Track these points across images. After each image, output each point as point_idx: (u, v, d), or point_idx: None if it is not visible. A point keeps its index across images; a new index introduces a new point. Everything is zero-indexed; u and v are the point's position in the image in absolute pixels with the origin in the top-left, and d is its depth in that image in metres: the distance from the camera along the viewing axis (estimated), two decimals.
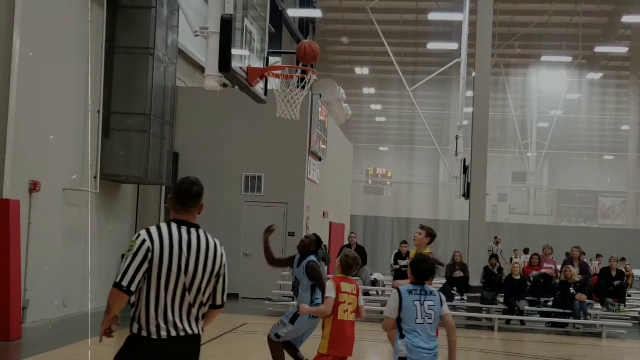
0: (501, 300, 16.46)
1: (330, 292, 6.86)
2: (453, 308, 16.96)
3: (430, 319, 5.79)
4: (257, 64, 9.63)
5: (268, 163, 18.49)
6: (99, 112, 14.38)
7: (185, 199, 4.46)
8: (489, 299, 16.45)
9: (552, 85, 39.23)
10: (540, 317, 16.39)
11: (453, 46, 31.07)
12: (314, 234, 8.75)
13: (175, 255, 4.27)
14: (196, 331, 4.36)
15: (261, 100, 10.25)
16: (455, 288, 17.24)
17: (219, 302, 4.50)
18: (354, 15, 35.00)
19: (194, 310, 4.35)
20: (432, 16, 31.44)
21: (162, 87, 15.62)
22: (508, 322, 16.05)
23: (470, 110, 20.44)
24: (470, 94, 22.08)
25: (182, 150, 18.30)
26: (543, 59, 37.04)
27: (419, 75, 29.86)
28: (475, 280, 16.86)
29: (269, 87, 10.45)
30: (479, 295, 16.58)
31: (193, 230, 4.40)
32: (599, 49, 36.08)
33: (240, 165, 18.51)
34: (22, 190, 11.98)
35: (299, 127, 17.29)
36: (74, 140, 13.92)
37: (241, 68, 9.00)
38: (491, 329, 15.68)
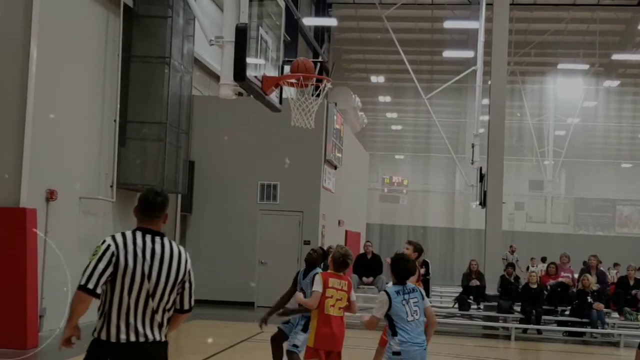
0: (518, 309, 16.37)
1: (317, 286, 7.09)
2: (469, 317, 16.91)
3: (417, 314, 6.23)
4: (272, 72, 9.64)
5: (283, 171, 18.47)
6: (115, 120, 14.45)
7: (149, 209, 4.50)
8: (505, 308, 16.37)
9: (569, 93, 38.99)
10: (558, 326, 16.29)
11: (469, 54, 30.97)
12: (321, 248, 8.95)
13: (139, 262, 4.32)
14: (158, 337, 4.38)
15: (276, 108, 10.25)
16: (471, 297, 17.19)
17: (185, 306, 4.55)
18: (369, 24, 34.95)
19: (157, 317, 4.38)
20: (448, 24, 31.33)
21: (177, 95, 15.68)
22: (525, 331, 15.96)
23: (486, 118, 20.38)
24: (486, 101, 22.02)
25: (197, 158, 18.34)
26: (559, 66, 36.85)
27: (434, 83, 29.81)
28: (492, 289, 16.78)
29: (284, 96, 10.45)
30: (495, 304, 16.51)
31: (157, 238, 4.44)
32: (616, 57, 35.84)
33: (255, 173, 18.51)
34: (38, 198, 12.03)
35: (314, 136, 17.30)
36: (91, 149, 13.99)
37: (256, 77, 9.01)
38: (508, 338, 15.59)
